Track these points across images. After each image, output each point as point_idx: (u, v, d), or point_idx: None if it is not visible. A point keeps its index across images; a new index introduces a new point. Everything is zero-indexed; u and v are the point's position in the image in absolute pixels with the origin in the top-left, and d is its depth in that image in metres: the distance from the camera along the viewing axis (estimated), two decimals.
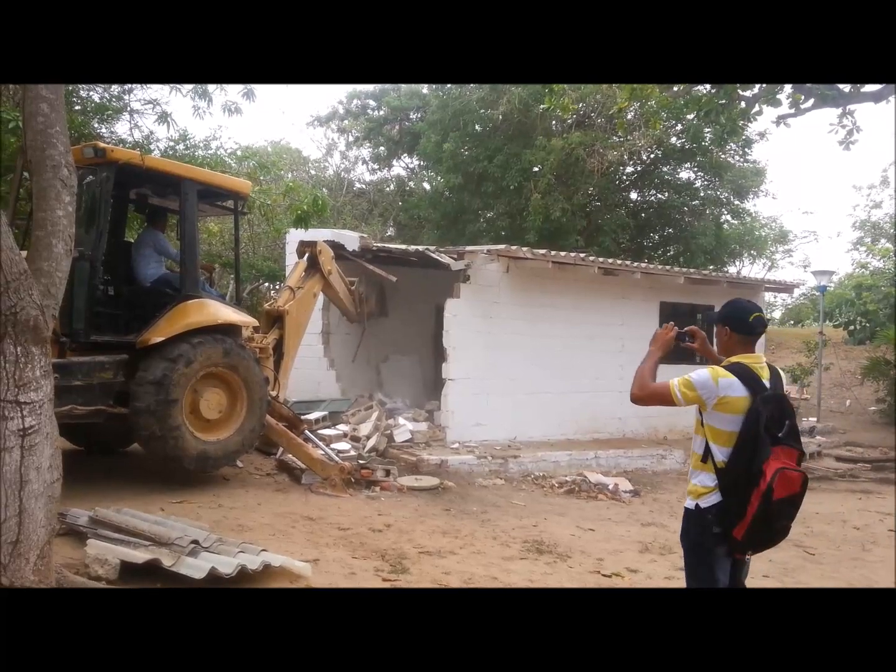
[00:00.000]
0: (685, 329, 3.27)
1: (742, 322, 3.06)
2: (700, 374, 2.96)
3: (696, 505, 3.00)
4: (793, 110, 8.16)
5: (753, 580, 5.58)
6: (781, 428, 2.88)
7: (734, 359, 3.03)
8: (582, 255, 11.40)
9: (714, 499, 2.96)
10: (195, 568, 4.03)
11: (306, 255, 9.16)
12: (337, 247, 10.25)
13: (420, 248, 11.02)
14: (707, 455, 2.99)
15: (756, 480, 2.81)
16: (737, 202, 18.59)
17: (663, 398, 3.02)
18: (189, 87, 7.13)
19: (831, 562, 6.12)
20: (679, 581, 5.32)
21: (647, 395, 3.05)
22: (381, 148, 21.64)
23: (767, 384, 2.97)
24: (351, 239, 11.05)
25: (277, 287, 15.64)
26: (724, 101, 8.21)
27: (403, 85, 19.39)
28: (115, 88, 10.28)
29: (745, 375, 2.92)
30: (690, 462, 3.14)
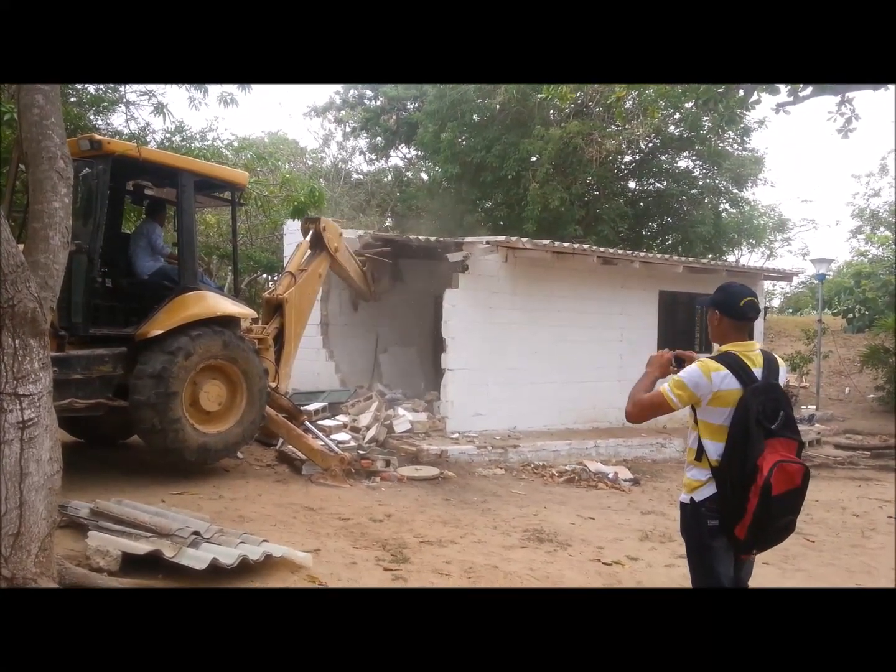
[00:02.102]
0: (676, 351, 3.16)
1: (733, 307, 2.94)
2: (690, 371, 2.87)
3: (691, 499, 2.94)
4: (791, 98, 8.13)
5: (753, 567, 5.60)
6: (775, 420, 2.78)
7: (724, 347, 2.94)
8: (584, 246, 11.38)
9: (708, 491, 2.89)
10: (196, 559, 4.03)
11: (310, 233, 8.91)
12: None
13: (423, 237, 11.01)
14: (701, 452, 2.90)
15: (752, 477, 2.73)
16: (735, 191, 18.55)
17: (658, 406, 2.91)
18: None
19: (831, 549, 6.14)
20: (679, 569, 5.34)
21: (641, 407, 2.94)
22: (379, 138, 21.57)
23: (760, 373, 2.86)
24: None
25: (276, 278, 15.61)
26: (722, 90, 8.17)
27: None
28: None
29: (736, 366, 2.83)
30: (686, 456, 3.07)
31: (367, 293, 10.28)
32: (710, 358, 2.91)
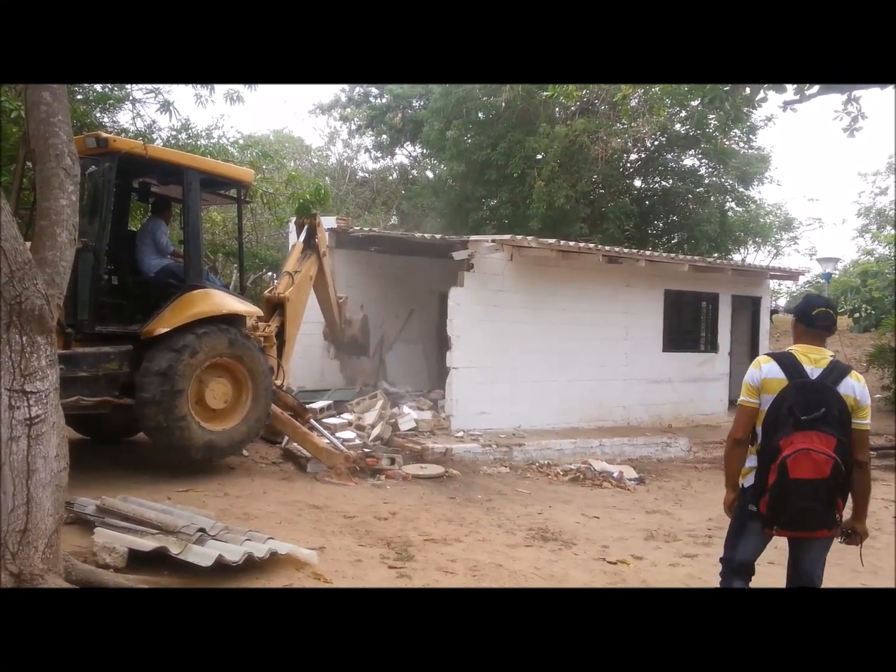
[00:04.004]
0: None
1: (805, 314, 3.30)
2: (748, 371, 3.30)
3: (742, 485, 3.31)
4: (798, 97, 8.09)
5: (759, 567, 5.59)
6: (809, 412, 3.03)
7: (789, 347, 3.29)
8: (590, 245, 11.36)
9: (752, 479, 3.23)
10: (202, 556, 4.04)
11: (304, 229, 9.03)
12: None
13: (428, 235, 11.01)
14: (754, 438, 3.25)
15: (774, 456, 3.04)
16: (741, 189, 18.47)
17: (743, 414, 3.27)
18: None
19: (836, 548, 6.11)
20: (683, 568, 5.34)
21: (735, 427, 3.30)
22: (384, 136, 21.54)
23: (815, 372, 3.14)
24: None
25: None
26: (728, 88, 8.14)
27: None
28: None
29: (786, 361, 3.18)
30: None
31: (337, 329, 10.18)
32: (766, 354, 3.36)
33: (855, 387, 3.16)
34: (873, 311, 18.12)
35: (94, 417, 6.61)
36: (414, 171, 23.08)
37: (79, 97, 9.98)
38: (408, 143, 22.04)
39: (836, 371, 3.16)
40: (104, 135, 6.44)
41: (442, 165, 18.70)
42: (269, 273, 17.31)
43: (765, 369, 3.20)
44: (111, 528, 4.33)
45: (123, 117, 11.32)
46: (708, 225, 16.77)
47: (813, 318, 3.27)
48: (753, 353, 13.77)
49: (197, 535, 4.26)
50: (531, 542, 5.73)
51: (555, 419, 10.66)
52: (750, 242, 22.63)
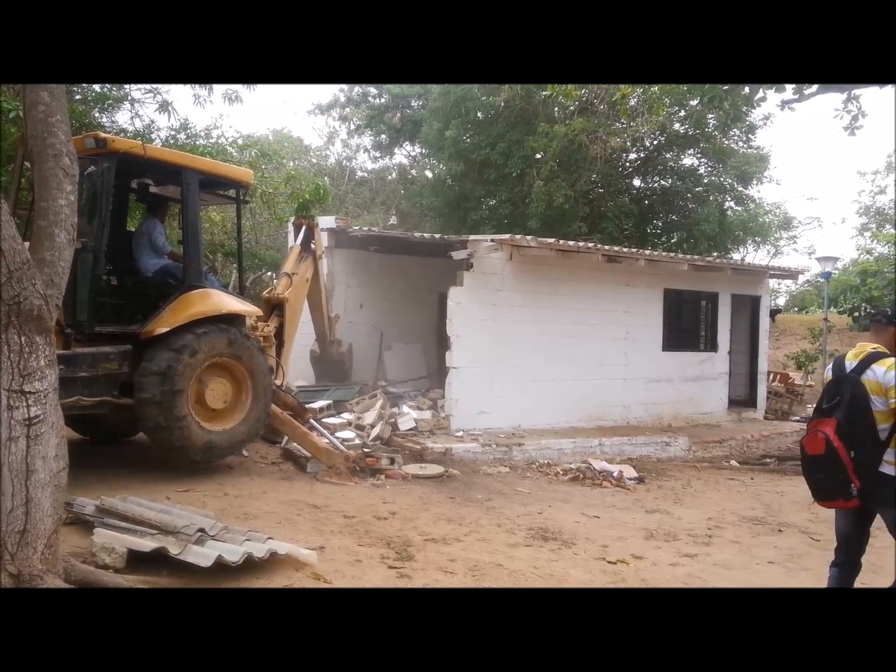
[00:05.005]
0: None
1: None
2: None
3: None
4: (797, 96, 8.09)
5: (758, 566, 5.60)
6: (829, 402, 3.61)
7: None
8: (589, 244, 11.37)
9: None
10: (202, 556, 4.04)
11: (302, 230, 9.18)
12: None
13: (427, 235, 11.01)
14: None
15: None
16: (741, 188, 18.47)
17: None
18: None
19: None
20: (683, 567, 5.34)
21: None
22: (383, 136, 21.56)
23: (852, 367, 3.60)
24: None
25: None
26: (727, 88, 8.14)
27: None
28: None
29: (836, 362, 3.81)
30: None
31: (326, 340, 10.44)
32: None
33: (877, 371, 3.55)
34: (873, 310, 18.14)
35: (93, 417, 6.60)
36: (413, 171, 23.10)
37: (77, 97, 9.97)
38: (407, 142, 22.05)
39: (865, 362, 3.59)
40: (103, 135, 6.42)
41: (441, 165, 18.68)
42: (269, 273, 17.33)
43: (827, 371, 3.88)
44: (110, 529, 4.32)
45: (122, 117, 11.31)
46: (707, 224, 16.77)
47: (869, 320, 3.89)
48: (753, 352, 13.78)
49: (196, 535, 4.25)
50: (531, 542, 5.73)
51: (554, 418, 10.66)
52: (749, 241, 22.65)
